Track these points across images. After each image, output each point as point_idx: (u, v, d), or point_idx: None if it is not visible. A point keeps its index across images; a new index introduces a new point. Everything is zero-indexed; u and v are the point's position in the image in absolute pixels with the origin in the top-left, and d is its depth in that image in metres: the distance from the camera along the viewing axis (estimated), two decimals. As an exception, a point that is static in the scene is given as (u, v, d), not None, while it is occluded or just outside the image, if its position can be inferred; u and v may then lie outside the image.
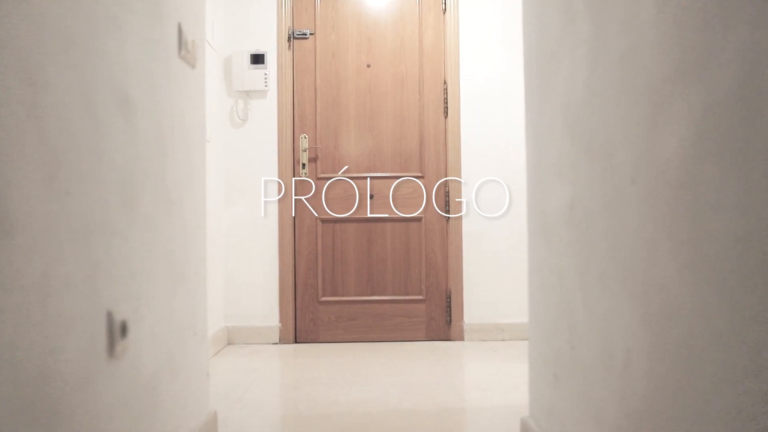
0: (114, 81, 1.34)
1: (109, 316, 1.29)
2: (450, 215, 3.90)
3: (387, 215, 3.89)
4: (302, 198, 3.88)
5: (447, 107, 3.92)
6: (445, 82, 3.92)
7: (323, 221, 3.87)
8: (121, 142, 1.37)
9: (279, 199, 3.86)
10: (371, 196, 3.88)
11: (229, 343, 3.83)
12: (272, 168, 3.88)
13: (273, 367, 3.24)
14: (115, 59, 1.34)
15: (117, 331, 1.31)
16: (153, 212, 1.58)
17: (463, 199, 3.91)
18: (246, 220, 3.87)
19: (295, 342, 3.87)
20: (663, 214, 1.05)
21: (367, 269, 3.88)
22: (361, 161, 3.90)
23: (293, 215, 3.87)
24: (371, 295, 3.89)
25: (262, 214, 3.87)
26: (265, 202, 3.88)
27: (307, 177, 3.87)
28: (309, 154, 3.87)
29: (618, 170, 1.23)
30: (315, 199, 3.87)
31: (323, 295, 3.88)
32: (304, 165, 3.86)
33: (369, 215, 3.89)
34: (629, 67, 1.18)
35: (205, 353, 2.05)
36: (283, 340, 3.85)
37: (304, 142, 3.86)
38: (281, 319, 3.85)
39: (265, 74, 3.83)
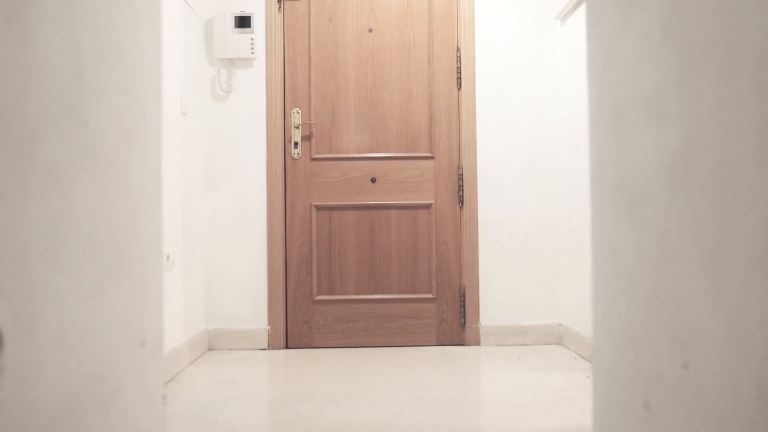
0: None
1: (-38, 323, 0.79)
2: (464, 201, 3.41)
3: (392, 201, 3.39)
4: (295, 182, 3.37)
5: (460, 78, 3.42)
6: (458, 49, 3.43)
7: (319, 208, 3.37)
8: (-5, 48, 0.87)
9: (268, 183, 3.36)
10: (373, 180, 3.38)
11: (210, 349, 3.33)
12: (260, 147, 3.38)
13: (259, 379, 2.74)
14: None
15: (-22, 347, 0.81)
16: (65, 167, 1.08)
17: (479, 183, 3.42)
18: (230, 207, 3.37)
19: (287, 347, 3.37)
20: None
21: (369, 263, 3.38)
22: (363, 140, 3.40)
23: (284, 201, 3.37)
24: (374, 293, 3.39)
25: (248, 201, 3.38)
26: (252, 186, 3.38)
27: (300, 157, 3.37)
28: (302, 131, 3.37)
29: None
30: (309, 183, 3.37)
31: (318, 294, 3.37)
32: (296, 144, 3.36)
33: (371, 202, 3.39)
34: None
35: (159, 369, 1.55)
36: (272, 346, 3.35)
37: (296, 118, 3.36)
38: (270, 321, 3.35)
39: (252, 39, 3.33)
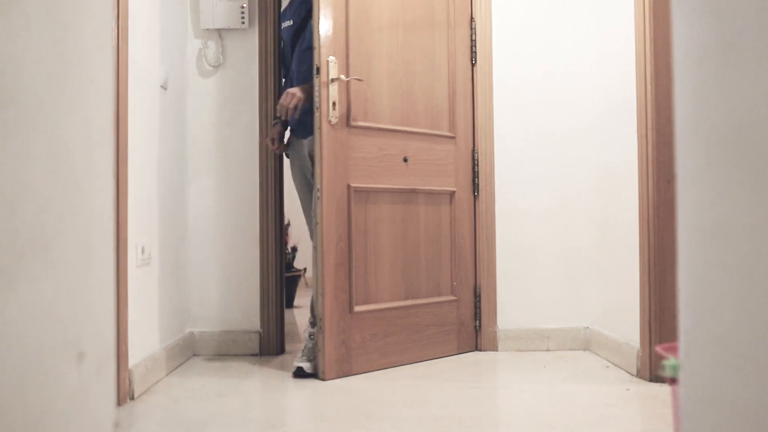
0: None
1: None
2: (479, 190, 3.05)
3: (421, 187, 2.85)
4: (330, 155, 2.55)
5: (475, 52, 3.07)
6: (472, 20, 3.07)
7: (357, 191, 2.65)
8: None
9: (260, 169, 3.02)
10: (405, 160, 2.81)
11: (194, 355, 2.97)
12: (252, 128, 3.03)
13: (248, 392, 2.38)
14: None
15: None
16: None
17: (496, 170, 3.06)
18: (218, 195, 3.02)
19: (282, 353, 3.01)
20: None
21: (401, 261, 2.79)
22: (395, 107, 2.75)
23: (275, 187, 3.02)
24: (406, 298, 2.80)
25: (240, 188, 3.02)
26: (244, 172, 3.02)
27: (336, 123, 2.56)
28: (339, 89, 2.56)
29: None
30: (346, 159, 2.63)
31: (357, 303, 2.64)
32: (334, 104, 2.53)
33: (404, 186, 2.79)
34: None
35: (107, 390, 1.20)
36: (265, 351, 2.99)
37: (333, 69, 2.53)
38: (262, 324, 3.00)
39: (243, 7, 2.98)
